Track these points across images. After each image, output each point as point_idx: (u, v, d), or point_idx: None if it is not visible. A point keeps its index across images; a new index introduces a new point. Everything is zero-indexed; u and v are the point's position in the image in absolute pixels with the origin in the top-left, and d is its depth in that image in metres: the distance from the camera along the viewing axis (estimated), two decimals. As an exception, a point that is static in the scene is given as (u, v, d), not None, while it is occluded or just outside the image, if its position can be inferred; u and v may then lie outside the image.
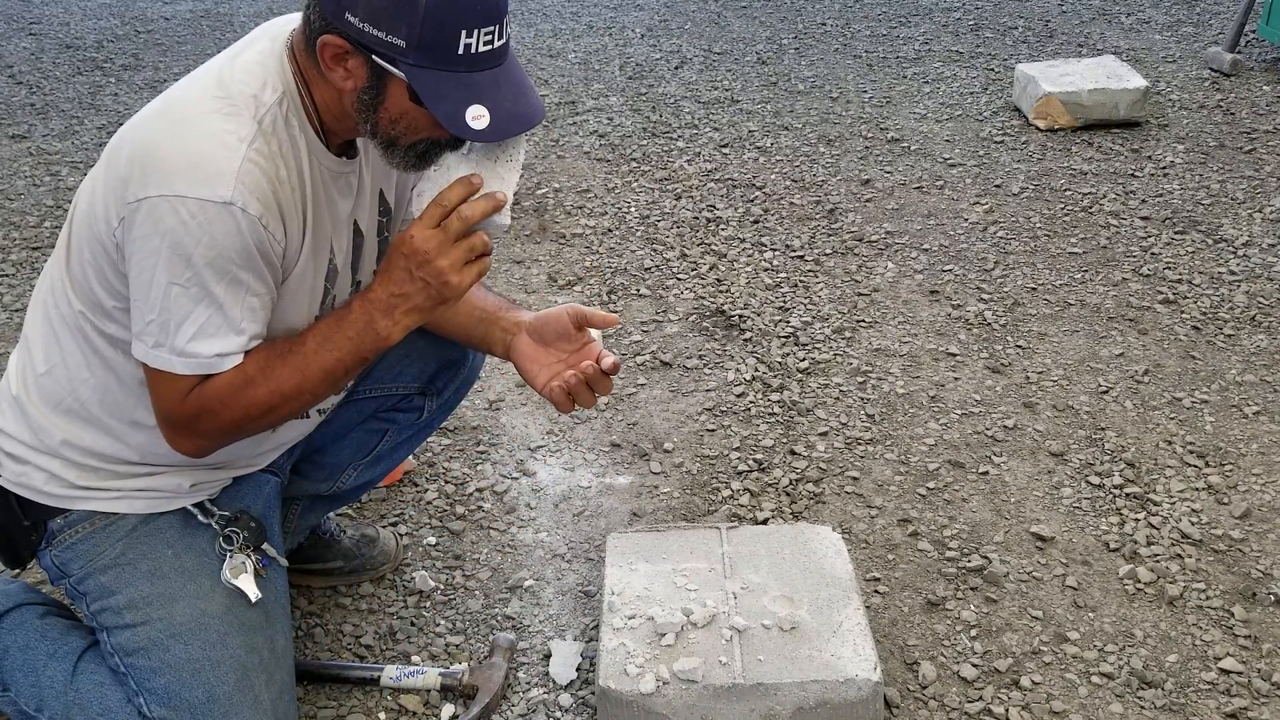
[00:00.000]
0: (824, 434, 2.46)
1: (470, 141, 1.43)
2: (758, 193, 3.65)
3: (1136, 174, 3.70)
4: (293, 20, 1.47)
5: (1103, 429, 2.45)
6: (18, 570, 1.67)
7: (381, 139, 1.41)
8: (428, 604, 2.01)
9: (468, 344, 1.77)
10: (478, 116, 1.33)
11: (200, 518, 1.57)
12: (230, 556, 1.55)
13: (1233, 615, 1.94)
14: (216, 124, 1.35)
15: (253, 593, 1.53)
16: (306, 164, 1.43)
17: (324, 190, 1.48)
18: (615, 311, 2.96)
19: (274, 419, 1.47)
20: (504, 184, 1.43)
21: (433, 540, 2.16)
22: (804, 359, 2.74)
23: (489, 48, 1.34)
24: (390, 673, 1.81)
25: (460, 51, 1.31)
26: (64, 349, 1.49)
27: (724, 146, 4.03)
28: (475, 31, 1.31)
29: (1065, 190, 3.61)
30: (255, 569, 1.56)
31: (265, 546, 1.60)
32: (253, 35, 1.49)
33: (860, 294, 3.03)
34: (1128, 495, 2.24)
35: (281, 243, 1.40)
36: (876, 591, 2.02)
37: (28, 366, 1.54)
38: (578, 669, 1.84)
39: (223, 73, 1.41)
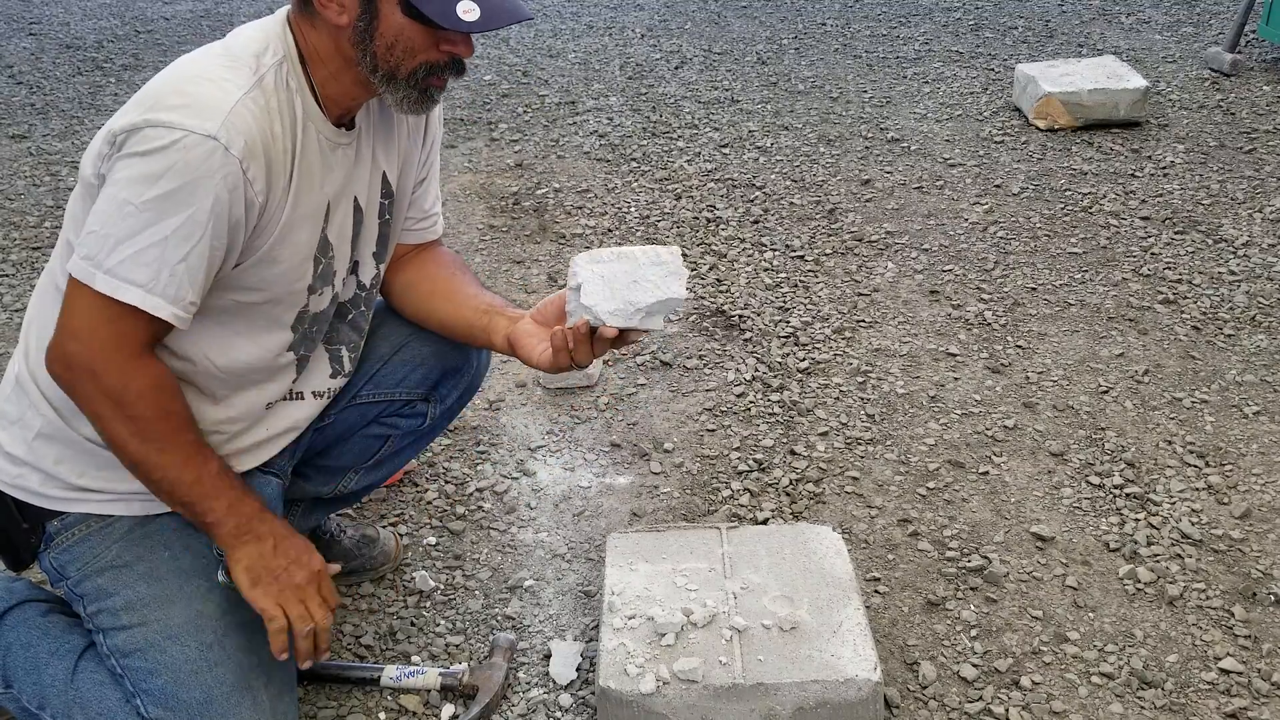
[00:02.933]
0: (824, 434, 2.46)
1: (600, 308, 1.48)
2: (758, 193, 3.65)
3: (1136, 174, 3.70)
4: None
5: (1103, 429, 2.45)
6: (19, 573, 1.67)
7: (382, 72, 1.43)
8: (428, 604, 2.01)
9: (469, 337, 1.75)
10: (467, 10, 1.37)
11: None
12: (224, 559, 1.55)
13: (1233, 615, 1.94)
14: (217, 72, 1.39)
15: None
16: (301, 127, 1.45)
17: (319, 158, 1.49)
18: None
19: (120, 442, 1.43)
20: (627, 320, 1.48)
21: (433, 540, 2.16)
22: (804, 359, 2.74)
23: None
24: (390, 673, 1.81)
25: None
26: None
27: (724, 146, 4.03)
28: None
29: (1065, 190, 3.61)
30: None
31: None
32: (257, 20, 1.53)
33: (860, 294, 3.03)
34: (1128, 495, 2.24)
35: (261, 195, 1.40)
36: (876, 591, 2.02)
37: (27, 361, 1.53)
38: (578, 669, 1.84)
39: (226, 40, 1.46)
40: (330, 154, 1.51)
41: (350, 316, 1.69)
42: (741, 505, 2.23)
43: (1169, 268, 3.12)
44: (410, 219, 1.76)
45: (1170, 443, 2.40)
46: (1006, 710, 1.76)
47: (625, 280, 1.50)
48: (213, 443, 1.56)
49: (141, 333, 1.40)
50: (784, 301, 2.99)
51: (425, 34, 1.41)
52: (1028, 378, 2.65)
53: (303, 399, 1.67)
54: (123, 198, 1.33)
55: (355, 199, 1.58)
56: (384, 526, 2.14)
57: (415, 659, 1.89)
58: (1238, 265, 3.11)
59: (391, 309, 1.81)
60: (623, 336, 1.53)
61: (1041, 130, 4.05)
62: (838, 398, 2.59)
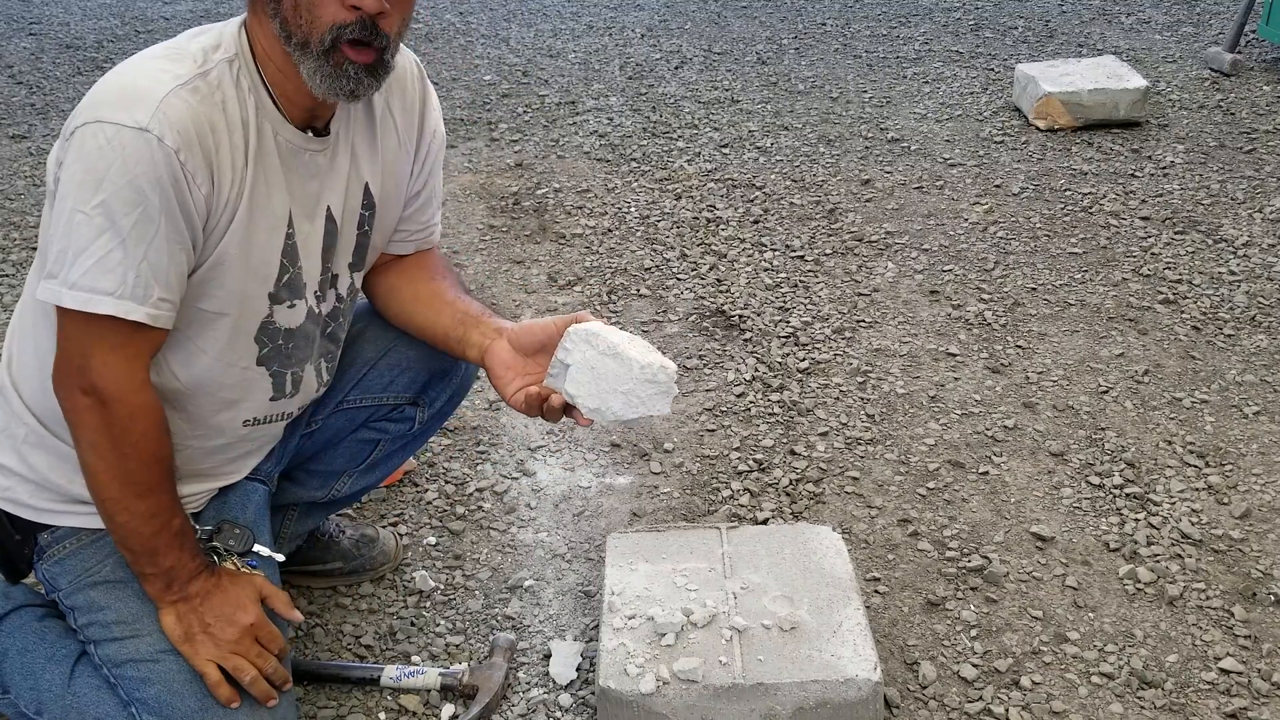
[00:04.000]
0: (824, 434, 2.46)
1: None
2: (758, 193, 3.65)
3: (1136, 174, 3.70)
4: None
5: (1103, 429, 2.45)
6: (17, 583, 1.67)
7: (295, 40, 1.37)
8: (428, 604, 2.01)
9: (445, 346, 1.71)
10: None
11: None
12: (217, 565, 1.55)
13: (1233, 615, 1.94)
14: (155, 64, 1.36)
15: None
16: (254, 124, 1.42)
17: (278, 161, 1.45)
18: (615, 311, 2.96)
19: (99, 474, 1.42)
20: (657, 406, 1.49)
21: (433, 540, 2.16)
22: (804, 359, 2.74)
23: None
24: (390, 673, 1.81)
25: None
26: (41, 361, 1.47)
27: (724, 146, 4.03)
28: None
29: (1065, 190, 3.61)
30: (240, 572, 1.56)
31: (257, 548, 1.59)
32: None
33: (860, 294, 3.03)
34: (1128, 495, 2.24)
35: (203, 186, 1.36)
36: (876, 591, 2.02)
37: (9, 371, 1.53)
38: (578, 669, 1.84)
39: (178, 37, 1.43)
40: (294, 158, 1.47)
41: (329, 329, 1.65)
42: (741, 505, 2.23)
43: (1169, 268, 3.12)
44: (405, 230, 1.72)
45: (1170, 443, 2.40)
46: (1006, 710, 1.76)
47: (614, 385, 1.49)
48: (199, 468, 1.56)
49: (143, 354, 1.38)
50: (784, 301, 2.99)
51: None
52: (1028, 378, 2.65)
53: (290, 417, 1.67)
54: (71, 207, 1.30)
55: (328, 209, 1.54)
56: (384, 526, 2.14)
57: (415, 659, 1.89)
58: (1238, 265, 3.11)
59: (375, 313, 1.79)
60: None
61: (1041, 130, 4.05)
62: (838, 398, 2.59)
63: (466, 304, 1.70)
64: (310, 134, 1.48)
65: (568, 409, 1.55)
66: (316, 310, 1.59)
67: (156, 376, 1.47)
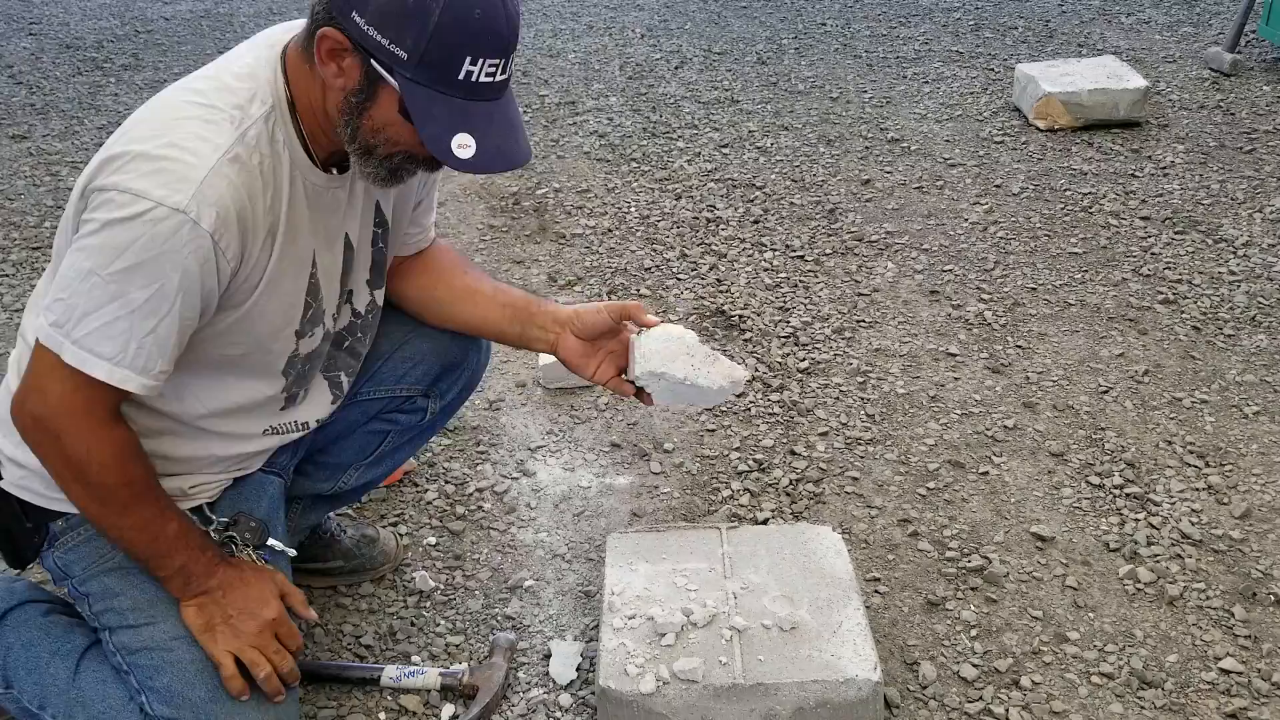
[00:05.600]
0: (824, 434, 2.46)
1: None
2: (758, 193, 3.65)
3: (1136, 174, 3.70)
4: (294, 27, 1.46)
5: (1103, 429, 2.45)
6: (19, 571, 1.67)
7: (359, 145, 1.38)
8: (428, 604, 2.01)
9: (500, 340, 1.79)
10: (464, 145, 1.31)
11: (199, 524, 1.57)
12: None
13: (1233, 615, 1.94)
14: (194, 128, 1.33)
15: None
16: (287, 181, 1.41)
17: (305, 208, 1.45)
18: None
19: (80, 503, 1.44)
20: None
21: (433, 540, 2.16)
22: (804, 359, 2.74)
23: (490, 79, 1.31)
24: (390, 673, 1.81)
25: (460, 76, 1.29)
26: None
27: (724, 146, 4.03)
28: (480, 60, 1.29)
29: (1065, 190, 3.61)
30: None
31: (271, 542, 1.60)
32: (254, 40, 1.48)
33: (860, 294, 3.03)
34: (1128, 495, 2.24)
35: (234, 261, 1.37)
36: (876, 591, 2.02)
37: (23, 363, 1.53)
38: (578, 669, 1.84)
39: (214, 78, 1.39)
40: (318, 198, 1.47)
41: (347, 344, 1.68)
42: (741, 505, 2.23)
43: (1169, 268, 3.12)
44: (408, 234, 1.75)
45: (1170, 443, 2.40)
46: (1006, 710, 1.76)
47: (691, 395, 1.66)
48: (212, 450, 1.57)
49: (109, 399, 1.38)
50: (784, 301, 2.99)
51: (414, 135, 1.34)
52: (1028, 378, 2.65)
53: (307, 428, 1.68)
54: (89, 266, 1.30)
55: (346, 236, 1.56)
56: (384, 526, 2.14)
57: (415, 659, 1.89)
58: (1238, 265, 3.11)
59: (393, 308, 1.81)
60: None
61: (1041, 130, 4.05)
62: (838, 398, 2.59)
63: (508, 295, 1.76)
64: (334, 172, 1.49)
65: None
66: (331, 329, 1.62)
67: (179, 404, 1.50)
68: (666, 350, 1.62)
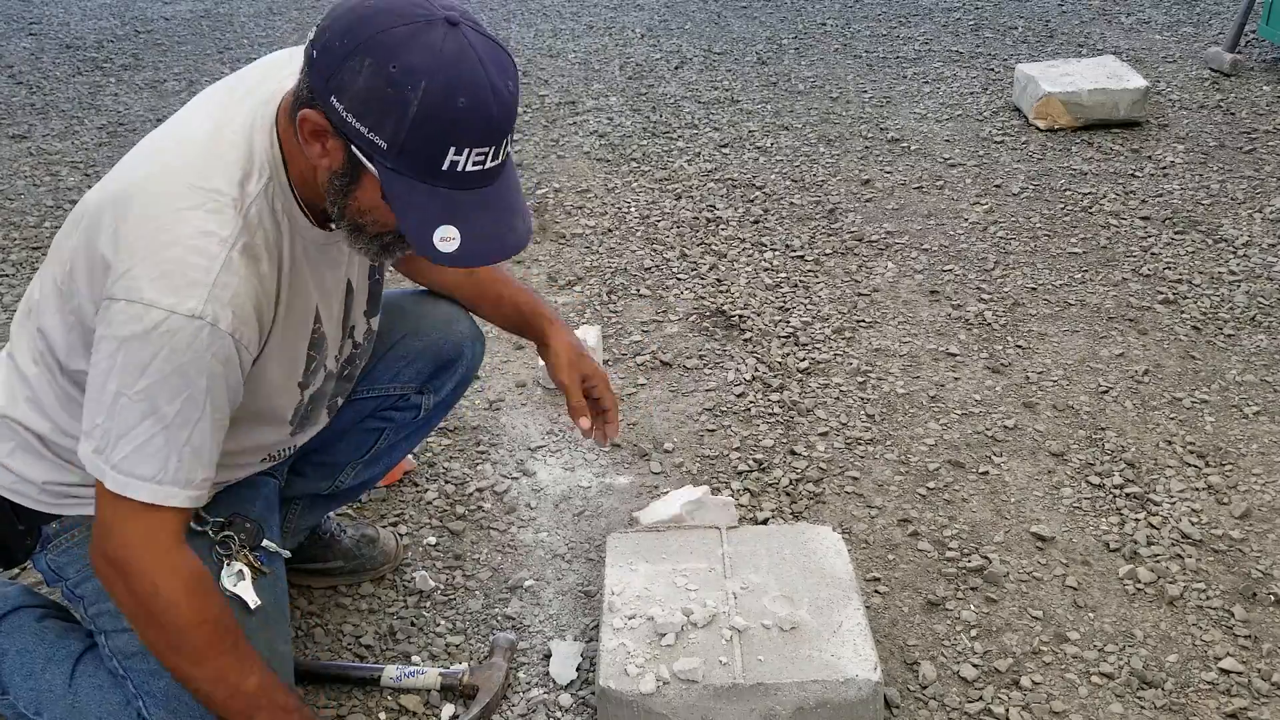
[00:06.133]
0: (824, 434, 2.46)
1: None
2: (758, 193, 3.65)
3: (1136, 174, 3.70)
4: (289, 67, 1.41)
5: (1103, 429, 2.45)
6: (15, 573, 1.67)
7: (348, 223, 1.34)
8: (428, 604, 2.01)
9: (502, 328, 1.88)
10: (446, 238, 1.24)
11: (194, 525, 1.56)
12: (228, 563, 1.54)
13: (1233, 615, 1.94)
14: (197, 223, 1.28)
15: (252, 600, 1.53)
16: (288, 247, 1.39)
17: (307, 266, 1.44)
18: (615, 311, 2.96)
19: (153, 651, 1.38)
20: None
21: (433, 540, 2.16)
22: (804, 359, 2.74)
23: (479, 168, 1.24)
24: (390, 673, 1.81)
25: (445, 167, 1.22)
26: (45, 373, 1.47)
27: (724, 146, 4.03)
28: (466, 150, 1.22)
29: (1065, 190, 3.61)
30: (254, 568, 1.56)
31: (266, 543, 1.60)
32: (250, 76, 1.43)
33: (860, 294, 3.03)
34: (1128, 495, 2.24)
35: (255, 348, 1.35)
36: (876, 591, 2.02)
37: (15, 379, 1.51)
38: (578, 669, 1.84)
39: (210, 147, 1.33)
40: (319, 255, 1.45)
41: (347, 372, 1.68)
42: (741, 505, 2.23)
43: (1169, 268, 3.12)
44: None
45: (1170, 443, 2.40)
46: (1006, 710, 1.76)
47: None
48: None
49: (167, 523, 1.33)
50: (784, 301, 2.99)
51: (382, 203, 1.29)
52: (1028, 378, 2.65)
53: (298, 447, 1.69)
54: (114, 389, 1.27)
55: (348, 281, 1.55)
56: (384, 526, 2.14)
57: (415, 659, 1.89)
58: (1238, 265, 3.11)
59: (386, 307, 1.81)
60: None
61: (1041, 130, 4.05)
62: (838, 398, 2.59)
63: (515, 297, 1.82)
64: (332, 227, 1.45)
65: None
66: (335, 370, 1.62)
67: None
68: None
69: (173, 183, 1.31)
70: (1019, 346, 2.78)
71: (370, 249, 1.37)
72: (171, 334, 1.25)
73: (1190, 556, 2.07)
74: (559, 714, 1.77)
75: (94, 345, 1.30)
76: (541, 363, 1.82)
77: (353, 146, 1.24)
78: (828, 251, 3.26)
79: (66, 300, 1.39)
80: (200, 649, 1.36)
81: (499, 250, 1.29)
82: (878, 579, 2.05)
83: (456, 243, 1.25)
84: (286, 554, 1.66)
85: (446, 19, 1.21)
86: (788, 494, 2.27)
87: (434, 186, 1.23)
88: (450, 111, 1.19)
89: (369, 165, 1.24)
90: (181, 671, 1.38)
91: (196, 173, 1.31)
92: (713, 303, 2.99)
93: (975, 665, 1.85)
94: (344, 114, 1.22)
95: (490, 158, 1.24)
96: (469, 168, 1.23)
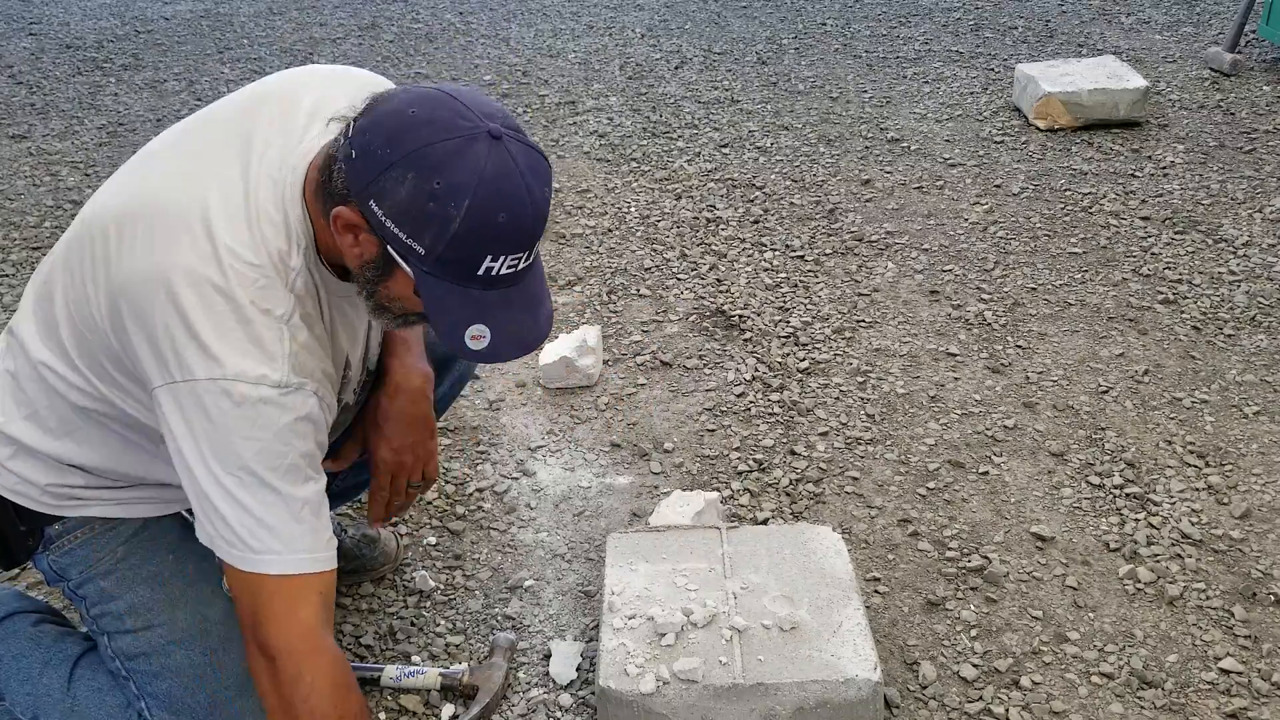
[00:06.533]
0: (824, 434, 2.46)
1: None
2: (758, 193, 3.65)
3: (1136, 174, 3.70)
4: (312, 95, 1.40)
5: (1103, 429, 2.45)
6: (15, 573, 1.67)
7: (374, 304, 1.36)
8: (428, 604, 2.01)
9: None
10: (477, 337, 1.28)
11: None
12: None
13: (1233, 615, 1.94)
14: (257, 301, 1.29)
15: None
16: (326, 308, 1.40)
17: (340, 317, 1.45)
18: (615, 311, 2.96)
19: None
20: None
21: (433, 540, 2.16)
22: (804, 359, 2.74)
23: (511, 271, 1.28)
24: (390, 673, 1.81)
25: (480, 273, 1.25)
26: (45, 394, 1.46)
27: (724, 146, 4.03)
28: (501, 257, 1.25)
29: (1065, 190, 3.61)
30: None
31: None
32: (267, 114, 1.40)
33: (860, 294, 3.03)
34: (1128, 495, 2.24)
35: (334, 406, 1.38)
36: (876, 591, 2.02)
37: (11, 398, 1.50)
38: (578, 669, 1.84)
39: (252, 219, 1.31)
40: (349, 309, 1.46)
41: (359, 398, 1.67)
42: (741, 505, 2.23)
43: (1169, 268, 3.12)
44: None
45: (1170, 443, 2.40)
46: (1006, 710, 1.76)
47: None
48: None
49: (303, 590, 1.33)
50: (784, 301, 2.99)
51: (415, 297, 1.32)
52: (1028, 378, 2.65)
53: None
54: (217, 470, 1.27)
55: (369, 323, 1.56)
56: (384, 527, 2.14)
57: (415, 659, 1.89)
58: (1238, 265, 3.11)
59: None
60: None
61: (1041, 130, 4.05)
62: (838, 398, 2.59)
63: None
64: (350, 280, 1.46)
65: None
66: (353, 402, 1.62)
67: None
68: None
69: (220, 261, 1.29)
70: (1019, 346, 2.78)
71: (393, 324, 1.40)
72: (263, 404, 1.27)
73: (1190, 556, 2.07)
74: (559, 714, 1.77)
75: (180, 424, 1.28)
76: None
77: (389, 247, 1.26)
78: (828, 251, 3.26)
79: (80, 328, 1.37)
80: None
81: (527, 345, 1.33)
82: (878, 579, 2.05)
83: (486, 341, 1.29)
84: None
85: (490, 132, 1.22)
86: (788, 494, 2.27)
87: (467, 289, 1.26)
88: (491, 228, 1.22)
89: (404, 265, 1.26)
90: None
91: (244, 250, 1.30)
92: (713, 303, 2.99)
93: (975, 665, 1.85)
94: (382, 218, 1.23)
95: (523, 261, 1.28)
96: (503, 271, 1.26)
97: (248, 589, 1.32)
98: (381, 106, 1.25)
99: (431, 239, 1.22)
